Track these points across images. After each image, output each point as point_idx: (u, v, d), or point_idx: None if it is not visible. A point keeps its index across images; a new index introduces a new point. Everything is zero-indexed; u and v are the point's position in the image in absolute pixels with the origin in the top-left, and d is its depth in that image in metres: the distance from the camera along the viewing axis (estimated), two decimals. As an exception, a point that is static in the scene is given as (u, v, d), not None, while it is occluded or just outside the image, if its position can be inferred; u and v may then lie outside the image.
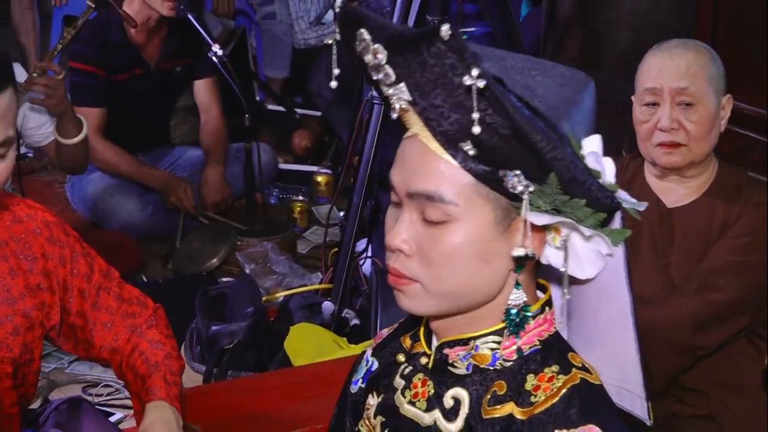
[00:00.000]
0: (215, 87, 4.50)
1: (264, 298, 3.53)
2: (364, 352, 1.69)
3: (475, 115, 1.26)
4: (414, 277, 1.41)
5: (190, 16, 4.01)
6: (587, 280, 1.46)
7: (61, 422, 2.59)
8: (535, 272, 1.47)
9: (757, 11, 4.33)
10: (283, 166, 5.05)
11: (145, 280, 3.92)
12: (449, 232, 1.38)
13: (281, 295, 3.62)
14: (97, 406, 2.79)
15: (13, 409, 2.00)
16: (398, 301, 1.45)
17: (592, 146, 1.38)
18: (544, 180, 1.32)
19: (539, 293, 1.50)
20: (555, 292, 1.52)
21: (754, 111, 4.40)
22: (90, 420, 2.62)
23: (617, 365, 1.52)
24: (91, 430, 2.53)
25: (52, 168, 4.73)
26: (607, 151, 3.75)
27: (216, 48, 4.00)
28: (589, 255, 1.41)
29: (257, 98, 5.71)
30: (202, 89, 4.49)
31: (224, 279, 3.87)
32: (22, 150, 4.45)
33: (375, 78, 1.35)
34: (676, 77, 2.46)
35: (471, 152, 1.33)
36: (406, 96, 1.34)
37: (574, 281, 1.47)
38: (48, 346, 3.26)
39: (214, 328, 3.12)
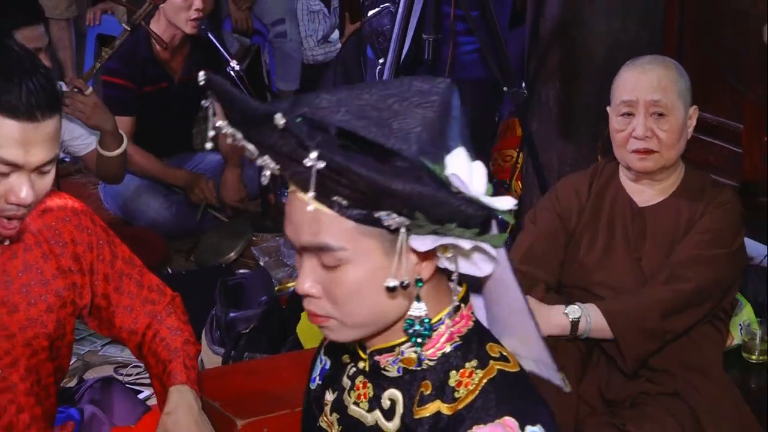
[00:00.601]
0: (233, 98, 4.49)
1: (277, 288, 3.53)
2: (320, 348, 1.65)
3: (311, 194, 1.25)
4: (327, 315, 1.38)
5: (210, 35, 4.00)
6: (488, 276, 1.42)
7: (95, 399, 2.58)
8: (439, 276, 1.41)
9: (719, 30, 4.33)
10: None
11: (170, 272, 3.90)
12: (346, 273, 1.34)
13: (292, 285, 3.61)
14: (126, 385, 2.78)
15: (50, 379, 2.01)
16: (324, 335, 1.43)
17: (456, 162, 1.30)
18: (413, 216, 1.28)
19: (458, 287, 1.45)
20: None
21: (717, 120, 4.41)
22: (120, 397, 2.62)
23: (527, 344, 1.50)
24: (121, 406, 2.53)
25: (86, 171, 4.72)
26: (585, 156, 3.75)
27: (233, 63, 3.98)
28: (479, 257, 1.36)
29: (270, 109, 5.69)
30: (222, 101, 4.48)
31: (241, 271, 3.86)
32: (60, 155, 4.44)
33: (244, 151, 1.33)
34: (649, 90, 2.46)
35: (344, 203, 1.29)
36: (273, 165, 1.31)
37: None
38: (83, 330, 3.25)
39: (231, 314, 3.12)
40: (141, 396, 2.89)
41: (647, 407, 2.46)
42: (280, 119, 1.22)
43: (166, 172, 4.32)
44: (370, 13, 3.27)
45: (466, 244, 1.31)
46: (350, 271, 1.34)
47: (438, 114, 1.32)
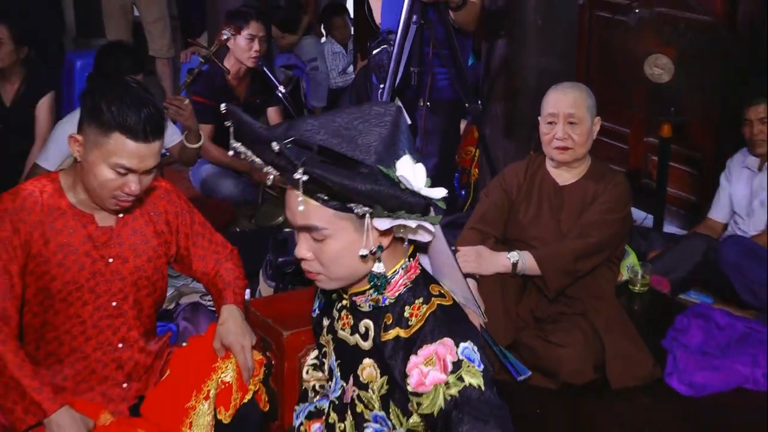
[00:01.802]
0: (281, 113, 4.45)
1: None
2: (317, 290, 1.64)
3: (299, 199, 1.27)
4: (318, 272, 1.38)
5: (265, 69, 3.99)
6: (430, 241, 1.42)
7: (187, 317, 2.57)
8: (395, 241, 1.39)
9: (614, 63, 4.29)
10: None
11: (238, 230, 3.88)
12: (329, 245, 1.34)
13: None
14: (208, 307, 2.77)
15: (151, 309, 2.00)
16: (316, 284, 1.43)
17: (403, 166, 1.30)
18: (374, 206, 1.28)
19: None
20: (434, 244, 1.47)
21: (613, 126, 4.38)
22: (204, 315, 2.61)
23: (458, 285, 1.50)
24: (205, 322, 2.53)
25: (177, 161, 4.71)
26: (522, 151, 3.69)
27: (281, 88, 3.96)
28: (422, 230, 1.37)
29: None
30: (273, 114, 4.43)
31: (287, 229, 3.83)
32: (162, 150, 4.42)
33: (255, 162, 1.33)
34: (567, 106, 2.44)
35: (325, 197, 1.30)
36: (275, 173, 1.31)
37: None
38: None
39: (280, 259, 3.08)
40: (219, 315, 2.89)
41: (563, 323, 2.46)
42: (275, 146, 1.23)
43: (235, 162, 4.29)
44: (374, 52, 3.25)
45: (412, 223, 1.32)
46: (332, 244, 1.34)
47: (390, 131, 1.32)
